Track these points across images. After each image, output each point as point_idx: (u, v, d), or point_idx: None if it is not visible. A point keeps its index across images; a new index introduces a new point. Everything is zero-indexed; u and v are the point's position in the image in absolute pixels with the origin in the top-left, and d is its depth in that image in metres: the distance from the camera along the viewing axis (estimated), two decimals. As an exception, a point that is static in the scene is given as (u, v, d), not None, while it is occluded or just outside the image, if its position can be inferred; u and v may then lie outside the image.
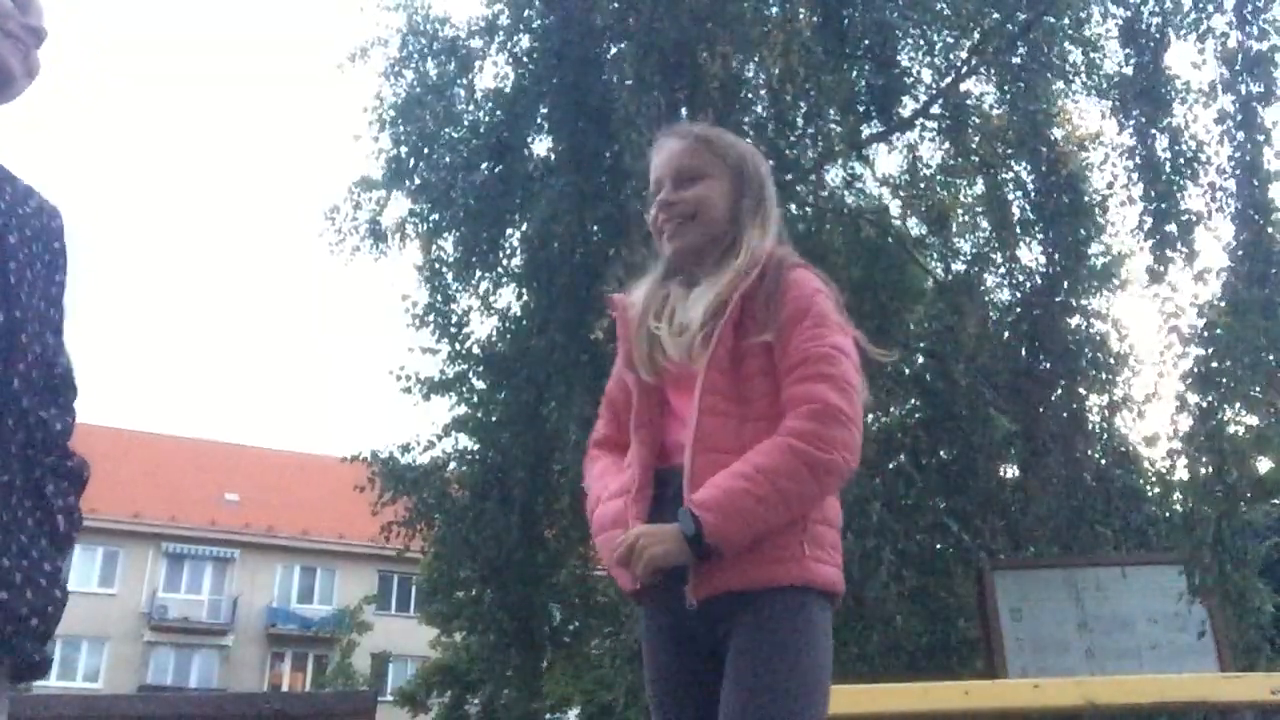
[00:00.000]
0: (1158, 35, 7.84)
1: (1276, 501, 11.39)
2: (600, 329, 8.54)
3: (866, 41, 8.54)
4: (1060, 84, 9.80)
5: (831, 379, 1.58)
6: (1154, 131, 7.76)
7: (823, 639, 1.57)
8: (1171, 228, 7.39)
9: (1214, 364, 6.67)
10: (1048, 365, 9.07)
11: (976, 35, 9.42)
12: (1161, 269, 7.34)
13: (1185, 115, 7.78)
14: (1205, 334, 6.66)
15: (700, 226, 1.76)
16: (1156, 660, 6.71)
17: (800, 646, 1.53)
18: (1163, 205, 7.48)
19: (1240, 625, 6.55)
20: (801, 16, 8.20)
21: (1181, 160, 7.59)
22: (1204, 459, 6.70)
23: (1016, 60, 8.95)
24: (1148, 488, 9.25)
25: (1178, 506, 7.50)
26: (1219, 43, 7.06)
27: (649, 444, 1.70)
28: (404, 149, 9.86)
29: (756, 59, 9.12)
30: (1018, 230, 9.93)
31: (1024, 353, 9.44)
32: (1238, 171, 6.85)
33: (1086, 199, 9.26)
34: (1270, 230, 6.83)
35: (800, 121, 8.93)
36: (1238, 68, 6.84)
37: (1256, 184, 6.64)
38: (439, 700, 17.98)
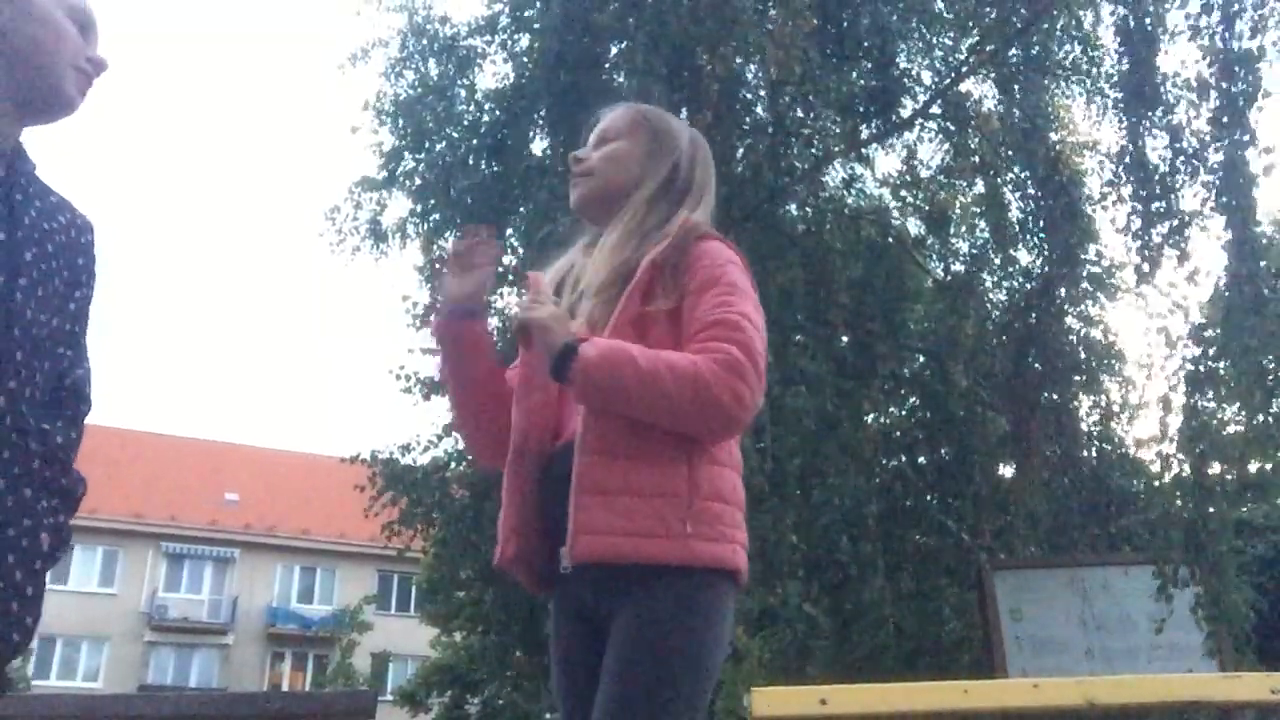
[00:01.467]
0: (1149, 33, 7.85)
1: (1278, 502, 11.40)
2: None
3: (865, 43, 8.55)
4: (1059, 85, 9.81)
5: (740, 343, 1.53)
6: (1148, 131, 7.76)
7: (706, 624, 1.49)
8: (1162, 229, 7.40)
9: (1205, 365, 6.68)
10: (1043, 367, 9.08)
11: (975, 35, 9.43)
12: (1149, 270, 7.35)
13: (1185, 114, 7.79)
14: (1198, 334, 6.68)
15: (597, 181, 1.76)
16: (1156, 660, 6.72)
17: (677, 631, 1.46)
18: (1153, 206, 7.49)
19: (1218, 628, 6.56)
20: (801, 17, 8.19)
21: (1180, 160, 7.59)
22: (1186, 459, 6.72)
23: (1015, 60, 8.95)
24: (1143, 488, 9.26)
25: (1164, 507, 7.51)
26: (1207, 40, 7.06)
27: (540, 414, 1.68)
28: (404, 142, 9.87)
29: (757, 60, 9.12)
30: (1016, 231, 9.94)
31: (1021, 354, 9.45)
32: (1222, 173, 6.86)
33: (1082, 202, 9.27)
34: (1259, 230, 6.84)
35: (799, 122, 8.93)
36: (1226, 67, 6.85)
37: (1242, 182, 6.65)
38: (439, 700, 17.99)
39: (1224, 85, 6.76)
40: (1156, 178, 7.57)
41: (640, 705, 1.43)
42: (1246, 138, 6.73)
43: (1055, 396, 9.07)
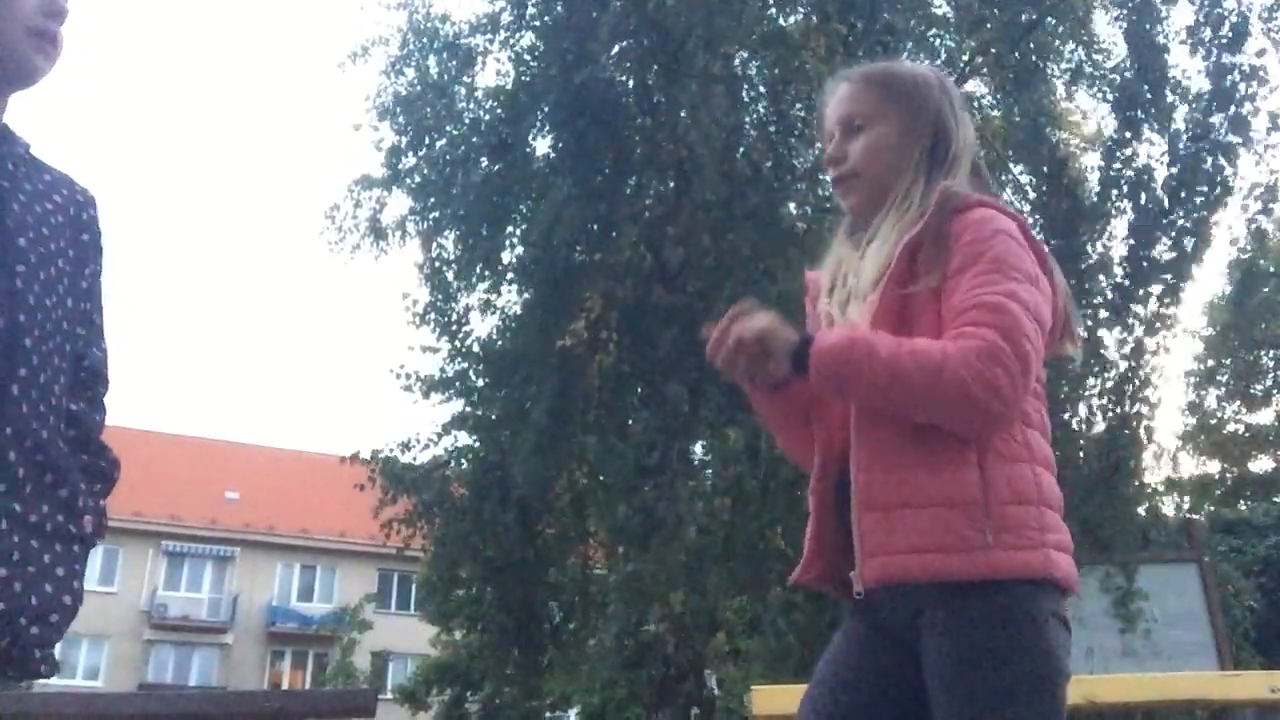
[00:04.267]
0: (1158, 43, 7.89)
1: (1277, 500, 11.41)
2: (569, 334, 8.56)
3: (869, 43, 8.55)
4: (1062, 86, 9.82)
5: (1001, 326, 1.37)
6: (1152, 136, 7.80)
7: (1035, 640, 1.33)
8: (1182, 225, 7.45)
9: (1212, 363, 6.72)
10: (1046, 367, 9.08)
11: (979, 36, 9.43)
12: (1153, 271, 7.39)
13: (1185, 121, 7.83)
14: (1206, 334, 6.72)
15: (868, 182, 1.59)
16: (1157, 658, 6.72)
17: (1001, 654, 1.32)
18: (1154, 210, 7.52)
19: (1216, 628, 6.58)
20: (803, 17, 8.21)
21: (1179, 165, 7.63)
22: (1202, 457, 6.77)
23: (1017, 61, 8.95)
24: (1147, 487, 9.26)
25: (1168, 506, 7.54)
26: (1211, 55, 7.11)
27: (826, 445, 1.58)
28: (404, 139, 9.87)
29: (759, 59, 9.12)
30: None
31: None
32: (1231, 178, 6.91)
33: (1087, 202, 9.28)
34: (1268, 227, 6.87)
35: (801, 122, 8.92)
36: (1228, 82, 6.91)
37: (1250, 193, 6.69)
38: (439, 698, 17.97)
39: (1230, 100, 6.80)
40: (1157, 183, 7.61)
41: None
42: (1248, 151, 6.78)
43: (1063, 394, 9.07)
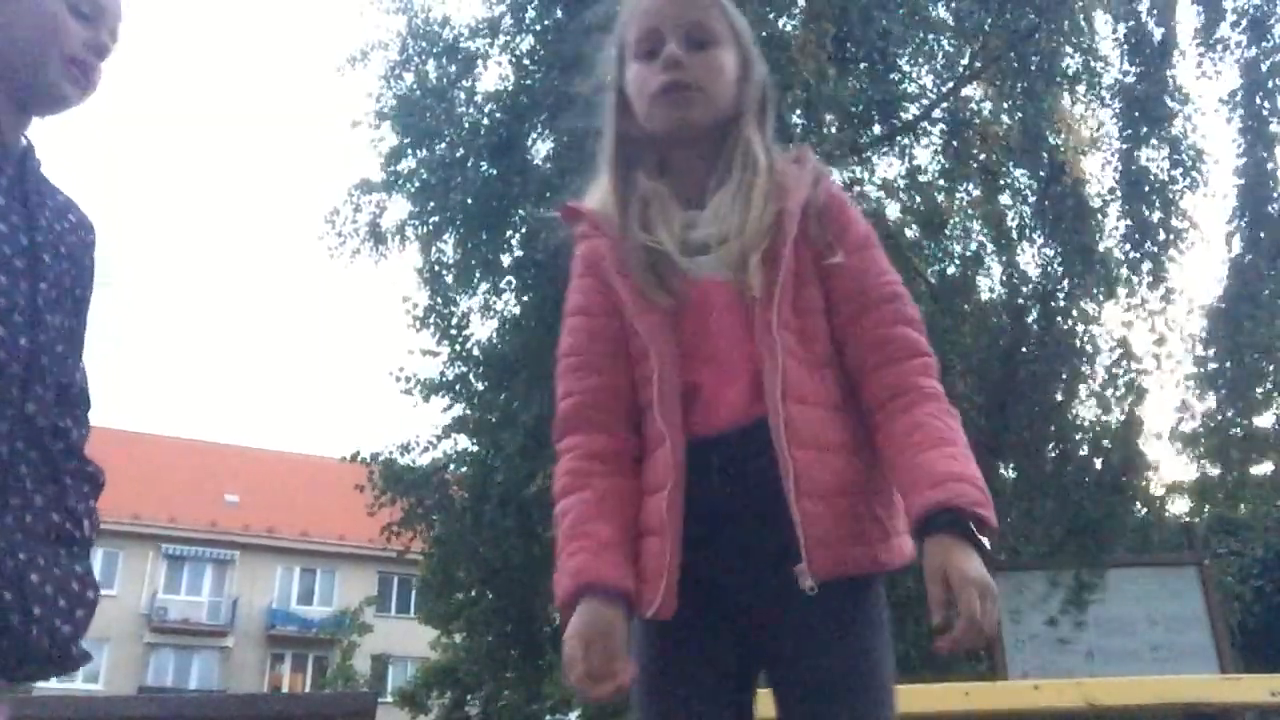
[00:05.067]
0: (1161, 45, 7.90)
1: (1278, 504, 11.41)
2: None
3: (865, 49, 8.57)
4: (1061, 91, 9.82)
5: (918, 324, 1.37)
6: (1153, 140, 7.81)
7: (886, 625, 1.35)
8: (1165, 235, 7.45)
9: (1214, 365, 6.73)
10: (1044, 368, 9.09)
11: (978, 42, 9.44)
12: (1153, 276, 7.40)
13: (1184, 126, 7.85)
14: (1207, 337, 6.74)
15: (708, 101, 1.40)
16: (1157, 661, 6.72)
17: (883, 635, 1.33)
18: (1155, 215, 7.54)
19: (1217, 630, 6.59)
20: (799, 23, 8.21)
21: (1179, 170, 7.64)
22: (1207, 460, 6.78)
23: (1017, 66, 8.97)
24: (1146, 490, 9.26)
25: (1174, 510, 7.56)
26: (1241, 55, 7.11)
27: (678, 426, 1.33)
28: (405, 140, 9.88)
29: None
30: (1014, 235, 9.96)
31: (1020, 355, 9.46)
32: (1245, 181, 6.92)
33: (1089, 204, 9.30)
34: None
35: (800, 126, 8.93)
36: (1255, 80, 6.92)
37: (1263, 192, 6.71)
38: (439, 701, 17.95)
39: (1254, 99, 6.82)
40: (1157, 187, 7.62)
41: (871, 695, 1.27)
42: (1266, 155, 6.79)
43: (1059, 397, 9.08)
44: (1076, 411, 9.24)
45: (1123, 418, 9.01)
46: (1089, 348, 9.12)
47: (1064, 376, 9.11)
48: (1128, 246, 7.57)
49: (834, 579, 1.25)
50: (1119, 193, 7.87)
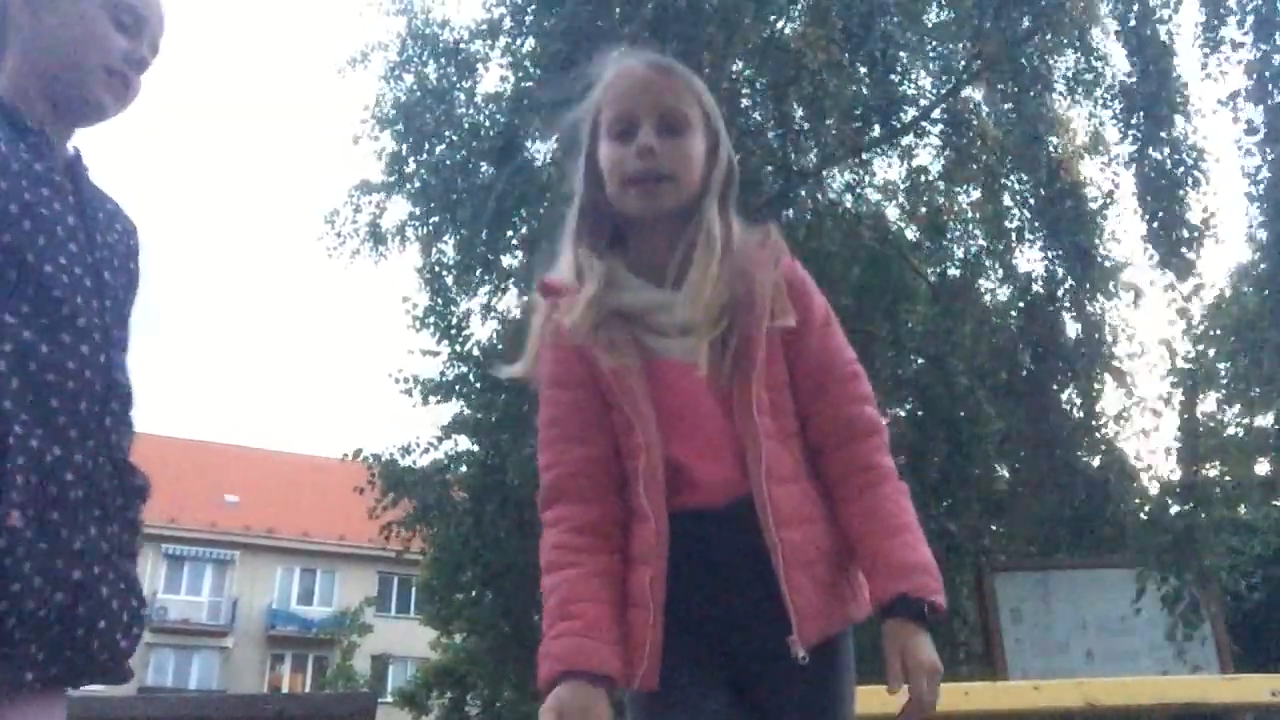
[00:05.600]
0: (1164, 44, 7.91)
1: (1277, 503, 11.40)
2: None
3: (865, 50, 8.58)
4: (1061, 92, 9.83)
5: (873, 401, 1.47)
6: (1161, 140, 7.83)
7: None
8: (1182, 233, 7.48)
9: (1213, 365, 6.74)
10: (1044, 368, 9.10)
11: (977, 45, 9.45)
12: (1166, 276, 7.42)
13: (1185, 127, 7.87)
14: (1208, 337, 6.75)
15: (678, 191, 1.43)
16: (1157, 662, 6.72)
17: (850, 689, 1.47)
18: (1166, 215, 7.55)
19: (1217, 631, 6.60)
20: (802, 23, 8.23)
21: (1180, 170, 7.65)
22: (1183, 460, 6.79)
23: (1014, 68, 8.98)
24: (1145, 490, 9.27)
25: (1170, 509, 7.56)
26: (1253, 52, 7.11)
27: (662, 502, 1.37)
28: (404, 147, 9.89)
29: (756, 64, 9.14)
30: (1013, 237, 9.99)
31: (1020, 356, 9.47)
32: (1260, 181, 6.92)
33: (1088, 206, 9.32)
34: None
35: (802, 127, 8.95)
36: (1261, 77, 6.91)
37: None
38: (439, 701, 17.97)
39: (1267, 97, 6.82)
40: (1166, 187, 7.64)
41: None
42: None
43: (1059, 397, 9.09)
44: (1077, 412, 9.25)
45: (1123, 418, 9.03)
46: (1089, 352, 9.14)
47: (1064, 377, 9.13)
48: (1149, 244, 7.59)
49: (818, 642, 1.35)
50: (1136, 190, 7.88)
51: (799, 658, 1.32)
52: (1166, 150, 7.72)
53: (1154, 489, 8.77)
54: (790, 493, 1.37)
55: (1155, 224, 7.56)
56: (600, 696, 1.29)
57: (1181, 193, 7.60)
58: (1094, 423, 9.22)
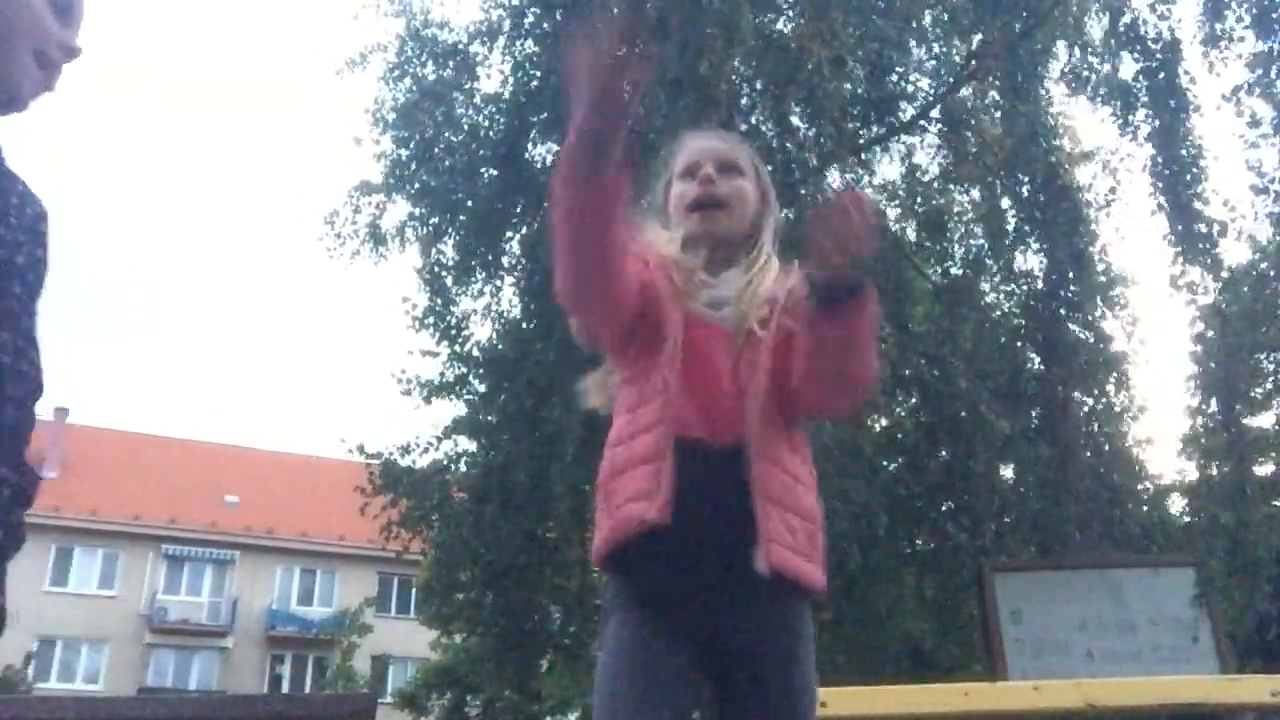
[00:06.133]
0: (1169, 41, 7.92)
1: (1277, 504, 11.41)
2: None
3: (864, 50, 8.58)
4: (1059, 91, 9.83)
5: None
6: (1173, 136, 7.84)
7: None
8: (1201, 227, 7.49)
9: (1214, 365, 6.74)
10: (1046, 369, 9.11)
11: (975, 41, 9.45)
12: (1183, 274, 7.43)
13: (1192, 121, 7.88)
14: (1214, 337, 6.75)
15: (734, 219, 1.76)
16: (1157, 662, 6.72)
17: (810, 654, 1.61)
18: (1185, 212, 7.57)
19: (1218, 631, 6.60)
20: (802, 24, 8.23)
21: (1192, 166, 7.67)
22: (1215, 462, 6.78)
23: (1011, 68, 8.98)
24: (1147, 491, 9.28)
25: (1175, 510, 7.56)
26: (1257, 45, 7.12)
27: (678, 419, 1.58)
28: (404, 152, 9.89)
29: (755, 63, 9.13)
30: (1012, 237, 9.98)
31: (1022, 356, 9.48)
32: (1265, 175, 6.94)
33: (1085, 208, 9.32)
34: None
35: (801, 125, 8.94)
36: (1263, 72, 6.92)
37: None
38: (439, 702, 17.97)
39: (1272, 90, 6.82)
40: (1180, 184, 7.65)
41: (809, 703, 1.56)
42: None
43: (1061, 398, 9.09)
44: (1078, 412, 9.25)
45: (1124, 418, 9.03)
46: (1088, 353, 9.14)
47: (1065, 377, 9.13)
48: (1171, 238, 7.59)
49: (782, 581, 1.50)
50: (1152, 186, 7.89)
51: (762, 570, 1.48)
52: (1181, 145, 7.74)
53: (1154, 489, 8.77)
54: (776, 439, 1.59)
55: (1176, 221, 7.56)
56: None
57: (1200, 188, 7.62)
58: (1100, 425, 9.23)
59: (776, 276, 1.73)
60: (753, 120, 9.24)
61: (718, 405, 1.60)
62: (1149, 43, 7.91)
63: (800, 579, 1.54)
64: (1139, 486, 9.25)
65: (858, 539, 7.89)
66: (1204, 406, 6.76)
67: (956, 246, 11.01)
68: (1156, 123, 7.95)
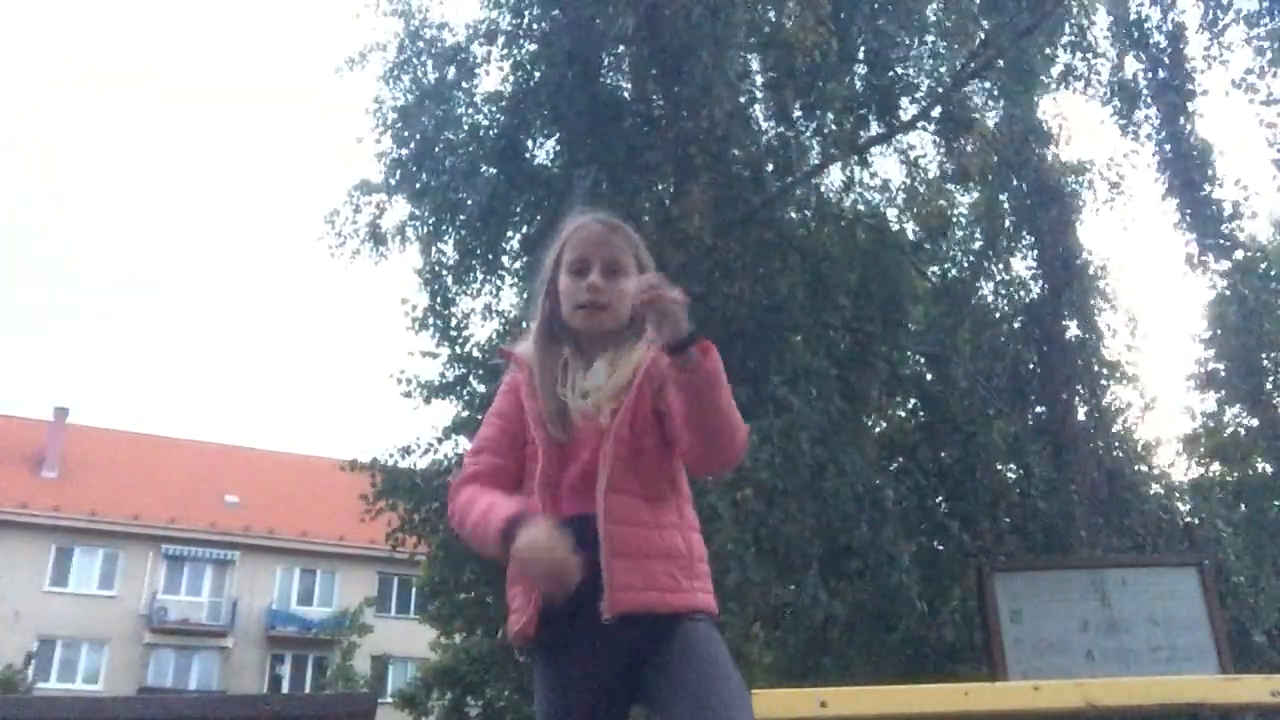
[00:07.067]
0: (1173, 34, 7.93)
1: (1277, 503, 11.41)
2: None
3: (864, 48, 8.57)
4: (1059, 89, 9.82)
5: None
6: (1183, 128, 7.86)
7: (723, 645, 1.85)
8: (1214, 211, 7.52)
9: (1214, 365, 6.75)
10: (1045, 369, 9.11)
11: (977, 39, 9.43)
12: (1201, 260, 7.44)
13: (1199, 110, 7.91)
14: (1211, 336, 6.76)
15: (612, 319, 1.97)
16: (1157, 663, 6.72)
17: (715, 642, 1.81)
18: (1197, 199, 7.59)
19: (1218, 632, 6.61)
20: (800, 21, 8.21)
21: (1200, 156, 7.70)
22: (1208, 461, 6.80)
23: (1013, 66, 8.97)
24: (1147, 491, 9.26)
25: (1179, 507, 7.56)
26: (1267, 20, 7.13)
27: (549, 504, 1.87)
28: (404, 152, 9.88)
29: (756, 61, 9.13)
30: (1010, 238, 9.99)
31: (1021, 357, 9.47)
32: None
33: (1070, 216, 9.36)
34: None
35: (800, 123, 8.93)
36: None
37: None
38: (439, 702, 17.96)
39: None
40: (1192, 175, 7.68)
41: (735, 685, 1.75)
42: None
43: (1061, 398, 9.09)
44: (1078, 412, 9.24)
45: (1124, 418, 9.03)
46: (1087, 354, 9.14)
47: (1065, 377, 9.12)
48: (1184, 226, 7.61)
49: (643, 615, 1.77)
50: (1165, 182, 7.91)
51: (605, 618, 1.75)
52: (1187, 133, 7.76)
53: (1155, 489, 8.77)
54: (625, 501, 1.83)
55: (1186, 210, 7.58)
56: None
57: (1210, 172, 7.64)
58: (1100, 425, 9.22)
59: (650, 346, 1.89)
60: (753, 116, 9.24)
61: (583, 481, 1.88)
62: (1155, 29, 7.92)
63: (658, 610, 1.78)
64: (1140, 485, 9.23)
65: (867, 518, 7.85)
66: (1216, 393, 6.78)
67: (957, 248, 11.00)
68: (1159, 118, 7.96)
